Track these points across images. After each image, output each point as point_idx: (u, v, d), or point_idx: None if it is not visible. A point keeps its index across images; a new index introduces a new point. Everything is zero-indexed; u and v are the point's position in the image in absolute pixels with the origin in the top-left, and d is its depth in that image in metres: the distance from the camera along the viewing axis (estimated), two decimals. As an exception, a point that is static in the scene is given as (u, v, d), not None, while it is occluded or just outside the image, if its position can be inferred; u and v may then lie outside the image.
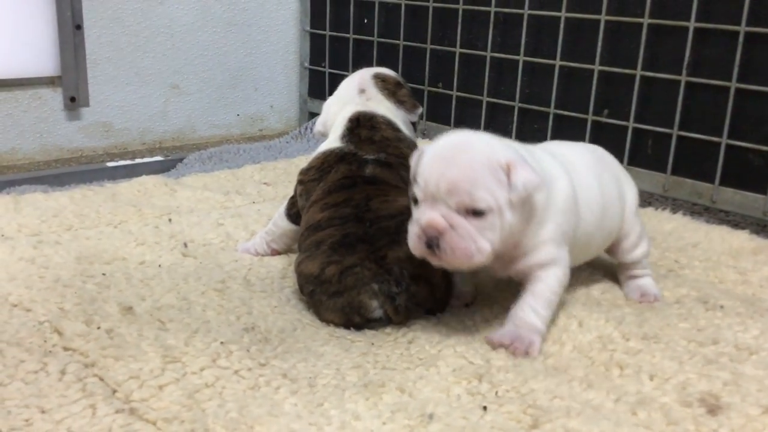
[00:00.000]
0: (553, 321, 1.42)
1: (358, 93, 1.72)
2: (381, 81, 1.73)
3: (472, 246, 1.24)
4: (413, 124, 1.78)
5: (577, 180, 1.41)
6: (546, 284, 1.35)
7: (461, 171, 1.24)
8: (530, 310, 1.34)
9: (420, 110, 1.77)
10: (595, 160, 1.54)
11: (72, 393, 1.13)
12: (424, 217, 1.25)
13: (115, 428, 1.05)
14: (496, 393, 1.20)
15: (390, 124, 1.67)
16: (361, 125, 1.64)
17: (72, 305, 1.41)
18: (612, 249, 1.58)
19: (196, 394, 1.15)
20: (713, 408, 1.16)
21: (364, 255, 1.39)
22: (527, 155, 1.32)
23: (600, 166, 1.53)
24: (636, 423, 1.12)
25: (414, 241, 1.27)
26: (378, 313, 1.38)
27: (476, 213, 1.23)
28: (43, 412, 1.08)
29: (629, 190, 1.59)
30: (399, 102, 1.73)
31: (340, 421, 1.11)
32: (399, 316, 1.39)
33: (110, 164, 2.65)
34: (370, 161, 1.56)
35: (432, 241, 1.24)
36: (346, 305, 1.38)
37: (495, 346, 1.33)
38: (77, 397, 1.12)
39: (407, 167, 1.61)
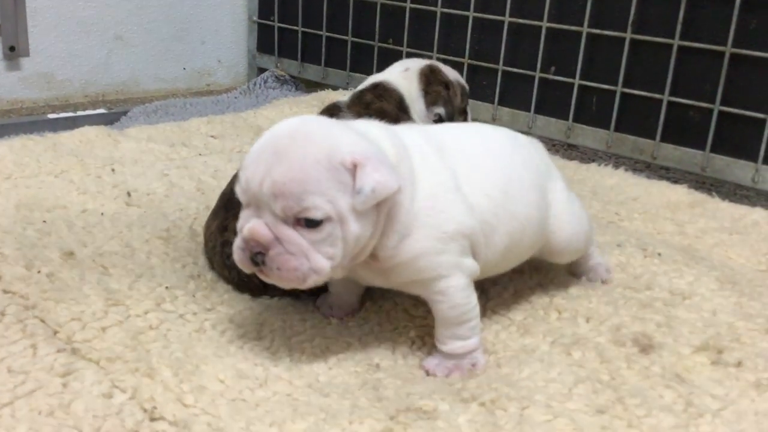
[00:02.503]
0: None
1: (402, 69, 1.71)
2: (429, 69, 1.71)
3: (305, 264, 1.00)
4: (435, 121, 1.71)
5: (462, 166, 1.16)
6: (447, 305, 1.12)
7: (290, 169, 0.98)
8: (450, 339, 1.14)
9: (435, 111, 1.68)
10: (504, 144, 1.29)
11: (12, 333, 1.11)
12: (246, 225, 1.02)
13: (57, 367, 1.04)
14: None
15: (400, 103, 1.66)
16: (371, 91, 1.65)
17: (11, 250, 1.38)
18: (547, 251, 1.33)
19: (140, 335, 1.15)
20: (646, 347, 1.20)
21: (220, 223, 1.36)
22: (392, 146, 1.08)
23: (509, 150, 1.28)
24: (569, 363, 1.15)
25: (238, 255, 1.03)
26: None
27: (310, 223, 1.00)
28: (-18, 352, 1.07)
29: (557, 183, 1.33)
30: (425, 93, 1.69)
31: (287, 363, 1.12)
32: (251, 292, 1.31)
33: (51, 116, 2.58)
34: (344, 110, 1.58)
35: (256, 257, 1.01)
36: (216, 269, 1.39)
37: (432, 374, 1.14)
38: (17, 337, 1.10)
39: None
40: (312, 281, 1.02)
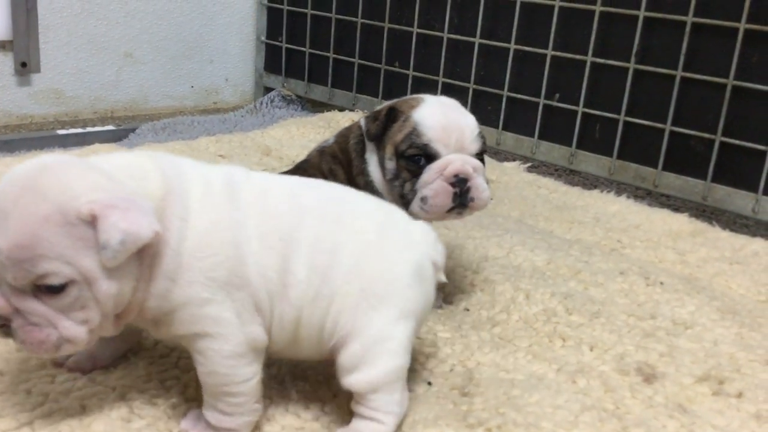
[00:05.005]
0: (501, 292, 1.47)
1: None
2: (408, 98, 1.43)
3: (53, 335, 0.87)
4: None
5: (256, 221, 0.98)
6: (205, 369, 0.95)
7: (16, 233, 0.84)
8: (211, 408, 0.98)
9: (360, 123, 1.42)
10: (328, 216, 1.03)
11: (32, 358, 1.13)
12: None
13: (75, 391, 1.06)
14: (445, 368, 1.24)
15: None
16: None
17: (27, 269, 1.41)
18: (336, 359, 1.03)
19: (155, 365, 1.16)
20: (649, 377, 1.23)
21: None
22: (160, 180, 0.93)
23: (317, 216, 1.02)
24: (575, 391, 1.18)
25: None
26: None
27: (51, 289, 0.86)
28: (2, 374, 1.09)
29: (371, 271, 1.02)
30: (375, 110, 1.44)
31: (298, 394, 1.13)
32: None
33: (61, 132, 2.62)
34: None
35: (3, 329, 0.89)
36: None
37: None
38: (35, 361, 1.12)
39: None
40: (68, 349, 0.90)
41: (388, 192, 1.37)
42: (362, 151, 1.41)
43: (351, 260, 1.00)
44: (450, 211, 1.32)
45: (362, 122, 1.40)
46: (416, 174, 1.32)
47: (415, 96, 1.42)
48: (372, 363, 1.00)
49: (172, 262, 0.91)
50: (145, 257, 0.90)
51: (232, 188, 0.99)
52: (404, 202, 1.34)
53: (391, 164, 1.35)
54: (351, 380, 1.01)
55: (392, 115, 1.36)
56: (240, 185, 1.00)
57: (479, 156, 1.35)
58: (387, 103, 1.42)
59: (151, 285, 0.92)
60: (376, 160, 1.38)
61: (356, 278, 1.00)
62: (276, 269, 0.97)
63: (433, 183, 1.31)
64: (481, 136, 1.36)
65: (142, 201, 0.89)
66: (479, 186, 1.32)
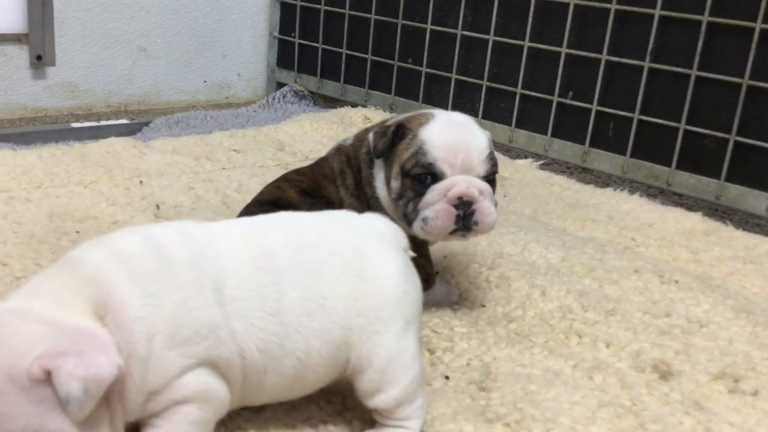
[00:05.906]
0: (516, 289, 1.48)
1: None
2: (415, 114, 1.40)
3: None
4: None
5: (231, 278, 0.93)
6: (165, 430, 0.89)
7: None
8: None
9: (368, 136, 1.39)
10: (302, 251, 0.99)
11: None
12: None
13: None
14: (462, 362, 1.25)
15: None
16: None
17: (48, 261, 1.42)
18: (354, 384, 1.02)
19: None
20: (665, 374, 1.24)
21: None
22: (98, 298, 0.85)
23: (290, 256, 0.98)
24: (592, 387, 1.19)
25: None
26: None
27: None
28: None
29: (374, 299, 0.99)
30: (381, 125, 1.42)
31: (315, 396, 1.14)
32: None
33: (75, 125, 2.64)
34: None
35: None
36: None
37: None
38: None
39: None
40: None
41: (393, 211, 1.35)
42: (371, 163, 1.39)
43: (345, 303, 0.97)
44: (453, 233, 1.29)
45: (370, 137, 1.37)
46: (420, 194, 1.29)
47: (425, 112, 1.39)
48: (392, 381, 0.99)
49: (144, 372, 0.85)
50: (112, 392, 0.82)
51: (194, 256, 0.92)
52: (407, 221, 1.31)
53: (396, 183, 1.32)
54: (375, 402, 1.00)
55: (400, 132, 1.33)
56: (201, 250, 0.93)
57: (489, 178, 1.32)
58: (396, 119, 1.39)
59: (126, 405, 0.85)
60: (383, 177, 1.36)
61: (355, 317, 0.98)
62: (264, 346, 0.93)
63: (435, 204, 1.28)
64: (491, 157, 1.32)
65: (93, 334, 0.81)
66: (485, 210, 1.28)
